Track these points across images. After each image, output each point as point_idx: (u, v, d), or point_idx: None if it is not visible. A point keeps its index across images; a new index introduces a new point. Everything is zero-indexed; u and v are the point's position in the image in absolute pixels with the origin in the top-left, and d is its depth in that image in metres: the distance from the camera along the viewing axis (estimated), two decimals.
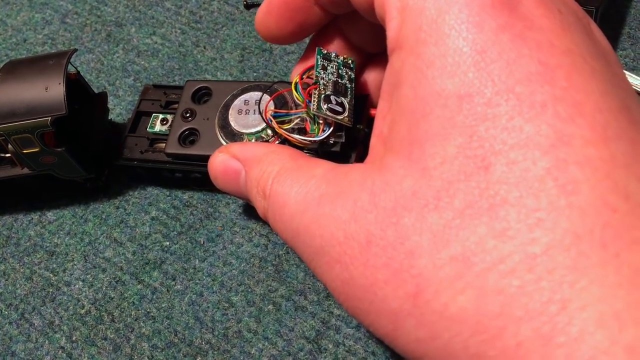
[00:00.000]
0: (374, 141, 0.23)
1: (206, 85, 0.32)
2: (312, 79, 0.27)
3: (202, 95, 0.32)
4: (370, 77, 0.29)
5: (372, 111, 0.29)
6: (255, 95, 0.30)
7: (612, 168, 0.16)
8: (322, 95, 0.26)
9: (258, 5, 0.40)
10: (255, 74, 0.37)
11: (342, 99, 0.26)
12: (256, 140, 0.28)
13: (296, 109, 0.28)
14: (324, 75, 0.27)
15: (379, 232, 0.18)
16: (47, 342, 0.29)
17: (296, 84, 0.27)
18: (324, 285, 0.21)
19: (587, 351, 0.15)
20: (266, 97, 0.29)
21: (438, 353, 0.17)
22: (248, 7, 0.40)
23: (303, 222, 0.21)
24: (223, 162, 0.25)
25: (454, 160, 0.17)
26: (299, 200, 0.21)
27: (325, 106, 0.26)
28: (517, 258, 0.16)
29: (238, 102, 0.30)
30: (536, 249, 0.16)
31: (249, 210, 0.32)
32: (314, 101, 0.26)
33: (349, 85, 0.27)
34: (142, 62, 0.39)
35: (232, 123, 0.29)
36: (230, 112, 0.30)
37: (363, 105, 0.29)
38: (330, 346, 0.27)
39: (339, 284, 0.19)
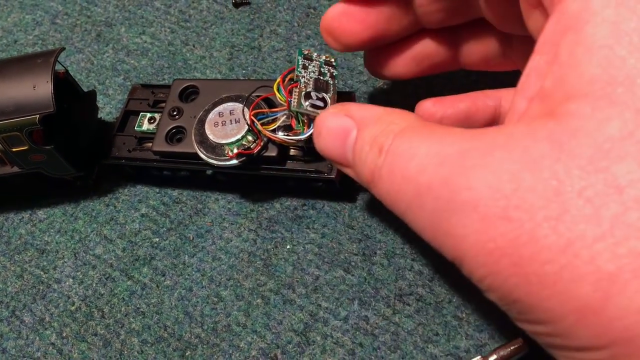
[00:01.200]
0: (520, 103, 0.19)
1: (193, 83, 0.32)
2: (294, 80, 0.27)
3: (189, 93, 0.32)
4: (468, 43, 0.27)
5: None
6: (228, 106, 0.30)
7: None
8: (303, 93, 0.26)
9: (247, 3, 0.40)
10: (244, 71, 0.37)
11: (324, 94, 0.27)
12: (237, 148, 0.28)
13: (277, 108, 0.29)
14: (305, 74, 0.27)
15: (577, 181, 0.15)
16: (37, 338, 0.30)
17: (278, 85, 0.28)
18: (458, 252, 0.17)
19: None
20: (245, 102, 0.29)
21: None
22: (237, 5, 0.40)
23: (439, 174, 0.17)
24: (334, 119, 0.23)
25: None
26: (433, 154, 0.18)
27: (307, 102, 0.26)
28: None
29: (212, 115, 0.30)
30: None
31: (238, 206, 0.32)
32: (294, 98, 0.26)
33: (330, 82, 0.28)
34: (132, 61, 0.39)
35: (210, 137, 0.29)
36: (206, 127, 0.29)
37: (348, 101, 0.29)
38: (318, 338, 0.27)
39: (506, 244, 0.16)
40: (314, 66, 0.28)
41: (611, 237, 0.15)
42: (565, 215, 0.15)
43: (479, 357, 0.25)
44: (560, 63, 0.17)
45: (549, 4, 0.18)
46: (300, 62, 0.28)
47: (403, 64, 0.29)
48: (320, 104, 0.26)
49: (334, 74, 0.28)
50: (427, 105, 0.29)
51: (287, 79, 0.28)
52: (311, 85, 0.27)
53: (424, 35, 0.29)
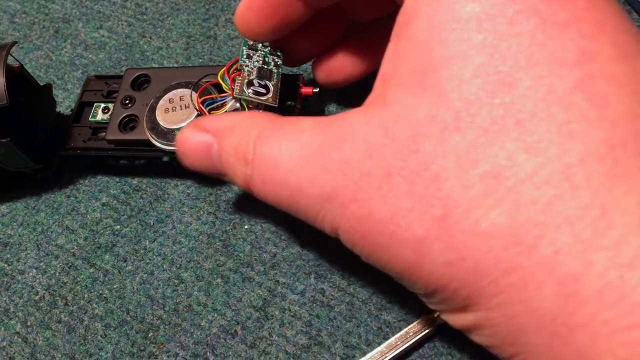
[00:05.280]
0: (376, 85, 0.21)
1: (145, 72, 0.32)
2: (239, 70, 0.28)
3: (141, 82, 0.32)
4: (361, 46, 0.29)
5: (304, 89, 0.30)
6: (178, 92, 0.30)
7: (636, 83, 0.17)
8: (246, 80, 0.27)
9: None
10: (200, 60, 0.38)
11: (267, 82, 0.27)
12: None
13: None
14: (249, 63, 0.28)
15: (398, 162, 0.18)
16: (2, 328, 0.30)
17: (222, 73, 0.28)
18: (334, 232, 0.21)
19: (630, 252, 0.15)
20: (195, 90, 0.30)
21: (467, 274, 0.17)
22: None
23: (305, 175, 0.20)
24: (192, 136, 0.24)
25: (474, 80, 0.17)
26: (295, 156, 0.20)
27: (249, 90, 0.27)
28: (551, 169, 0.16)
29: (163, 102, 0.30)
30: (571, 158, 0.16)
31: (197, 190, 0.32)
32: (237, 85, 0.27)
33: (275, 70, 0.28)
34: (90, 56, 0.40)
35: (160, 123, 0.30)
36: (156, 113, 0.30)
37: (296, 84, 0.30)
38: (277, 313, 0.28)
39: (355, 222, 0.19)
40: (258, 56, 0.28)
41: (419, 207, 0.17)
42: (390, 193, 0.18)
43: (424, 315, 0.26)
44: (395, 54, 0.20)
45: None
46: (244, 52, 0.28)
47: (349, 64, 0.30)
48: (263, 90, 0.27)
49: (278, 63, 0.29)
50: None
51: (232, 69, 0.29)
52: (254, 74, 0.28)
53: (356, 32, 0.30)
